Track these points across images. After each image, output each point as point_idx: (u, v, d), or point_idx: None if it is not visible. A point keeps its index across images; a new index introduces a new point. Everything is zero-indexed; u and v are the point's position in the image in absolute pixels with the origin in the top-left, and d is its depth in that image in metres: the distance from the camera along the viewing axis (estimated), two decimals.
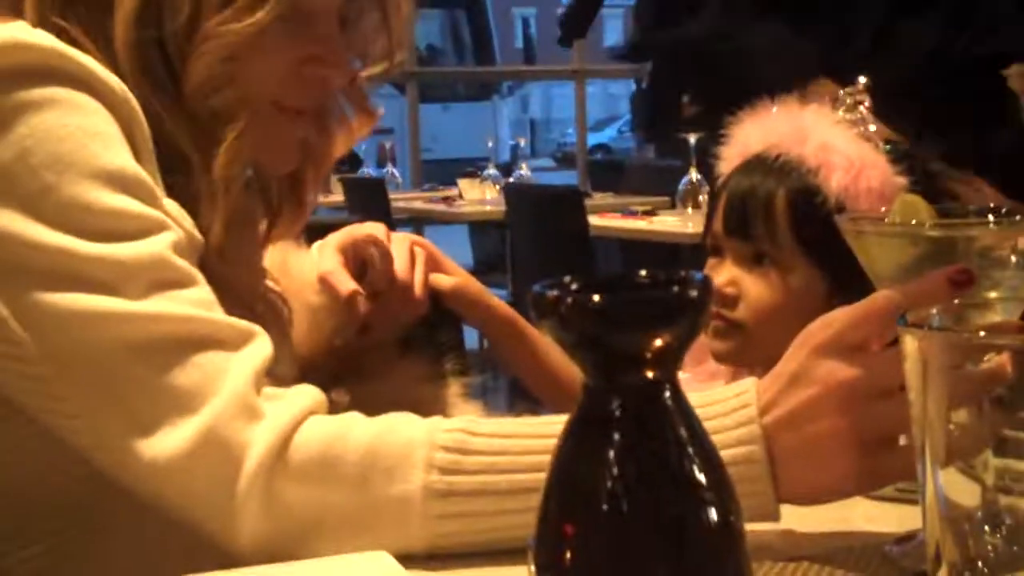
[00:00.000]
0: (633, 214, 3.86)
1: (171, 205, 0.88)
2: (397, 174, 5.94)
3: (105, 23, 0.90)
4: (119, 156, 0.83)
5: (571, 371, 1.35)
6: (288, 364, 1.07)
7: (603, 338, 0.40)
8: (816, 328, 0.79)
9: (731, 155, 1.37)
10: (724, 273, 1.31)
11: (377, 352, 1.17)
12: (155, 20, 0.90)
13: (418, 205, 5.12)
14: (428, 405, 1.05)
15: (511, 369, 1.26)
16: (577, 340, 0.41)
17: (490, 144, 5.37)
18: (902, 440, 0.76)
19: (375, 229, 1.15)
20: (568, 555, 0.40)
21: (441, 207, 4.92)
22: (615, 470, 0.40)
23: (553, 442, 0.45)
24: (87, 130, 0.82)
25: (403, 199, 5.22)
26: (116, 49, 0.90)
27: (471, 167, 5.84)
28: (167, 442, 0.77)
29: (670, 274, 0.42)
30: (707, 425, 0.76)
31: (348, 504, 0.77)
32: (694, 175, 3.79)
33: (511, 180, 4.68)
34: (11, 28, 0.85)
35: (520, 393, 1.23)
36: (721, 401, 0.79)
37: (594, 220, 3.70)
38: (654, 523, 0.40)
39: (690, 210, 3.75)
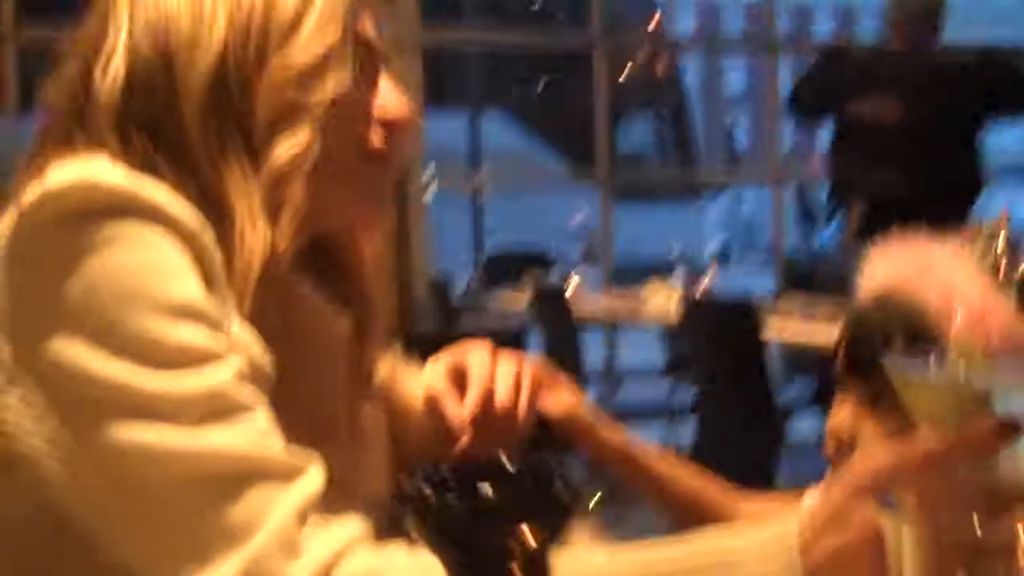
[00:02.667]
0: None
1: (239, 331, 0.90)
2: (584, 279, 5.96)
3: (174, 92, 0.94)
4: (186, 288, 0.86)
5: (695, 495, 1.33)
6: (383, 479, 1.08)
7: (467, 540, 0.42)
8: (856, 469, 0.79)
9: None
10: (840, 414, 1.25)
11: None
12: (223, 74, 0.94)
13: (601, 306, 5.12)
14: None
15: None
16: (439, 539, 0.42)
17: (674, 252, 5.37)
18: None
19: (481, 350, 1.16)
20: None
21: (622, 310, 4.92)
22: None
23: None
24: (155, 264, 0.86)
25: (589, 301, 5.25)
26: (187, 109, 0.93)
27: (669, 269, 5.81)
28: None
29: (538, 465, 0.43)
30: (746, 554, 0.80)
31: None
32: None
33: (694, 290, 4.66)
34: (88, 166, 0.89)
35: None
36: (760, 545, 0.80)
37: (780, 329, 3.65)
38: None
39: None
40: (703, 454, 3.76)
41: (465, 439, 1.11)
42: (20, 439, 0.86)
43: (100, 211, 0.86)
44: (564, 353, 4.77)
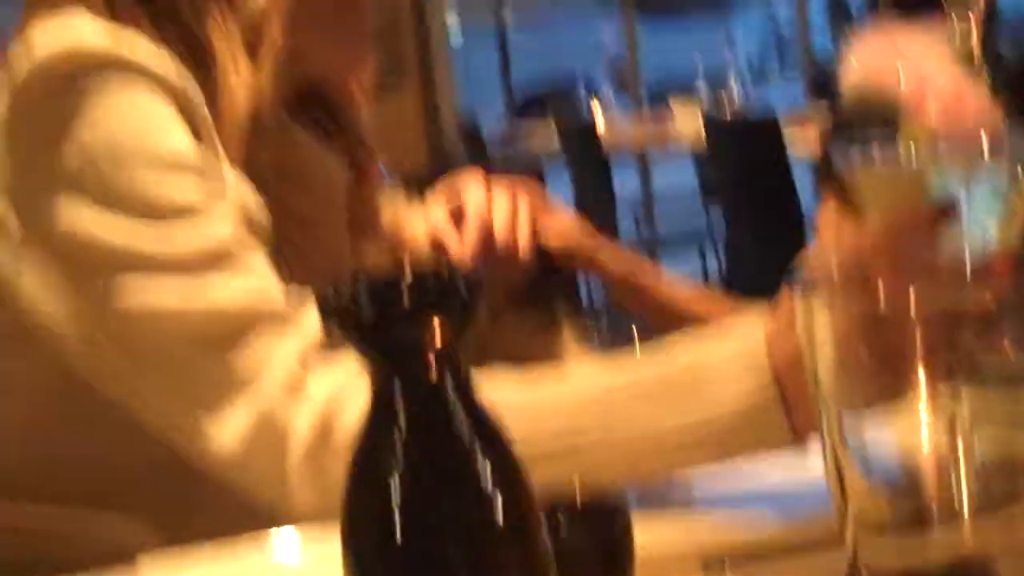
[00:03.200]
0: None
1: (231, 178, 0.94)
2: (613, 103, 5.90)
3: None
4: (176, 140, 0.91)
5: (698, 314, 1.35)
6: None
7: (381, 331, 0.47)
8: (813, 263, 0.82)
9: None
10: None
11: (486, 309, 1.22)
12: None
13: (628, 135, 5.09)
14: (543, 353, 1.11)
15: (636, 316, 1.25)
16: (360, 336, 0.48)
17: (699, 69, 5.32)
18: None
19: (475, 184, 1.16)
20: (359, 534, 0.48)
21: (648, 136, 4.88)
22: (397, 463, 0.47)
23: None
24: (144, 120, 0.90)
25: (617, 132, 5.23)
26: None
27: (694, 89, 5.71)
28: (227, 431, 0.86)
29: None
30: (715, 373, 0.82)
31: None
32: None
33: (716, 109, 4.64)
34: (70, 27, 0.91)
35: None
36: (730, 359, 0.83)
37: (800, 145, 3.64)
38: (425, 521, 0.47)
39: None
40: (734, 278, 3.80)
41: (470, 270, 1.15)
42: (36, 310, 0.92)
43: (85, 74, 0.90)
44: (595, 185, 4.79)
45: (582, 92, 6.39)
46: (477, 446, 0.48)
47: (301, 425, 0.86)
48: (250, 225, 0.93)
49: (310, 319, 0.89)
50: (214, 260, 0.89)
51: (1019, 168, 0.79)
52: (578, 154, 4.91)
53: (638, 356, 0.90)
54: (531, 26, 10.82)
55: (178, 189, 0.89)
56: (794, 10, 7.64)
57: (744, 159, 3.70)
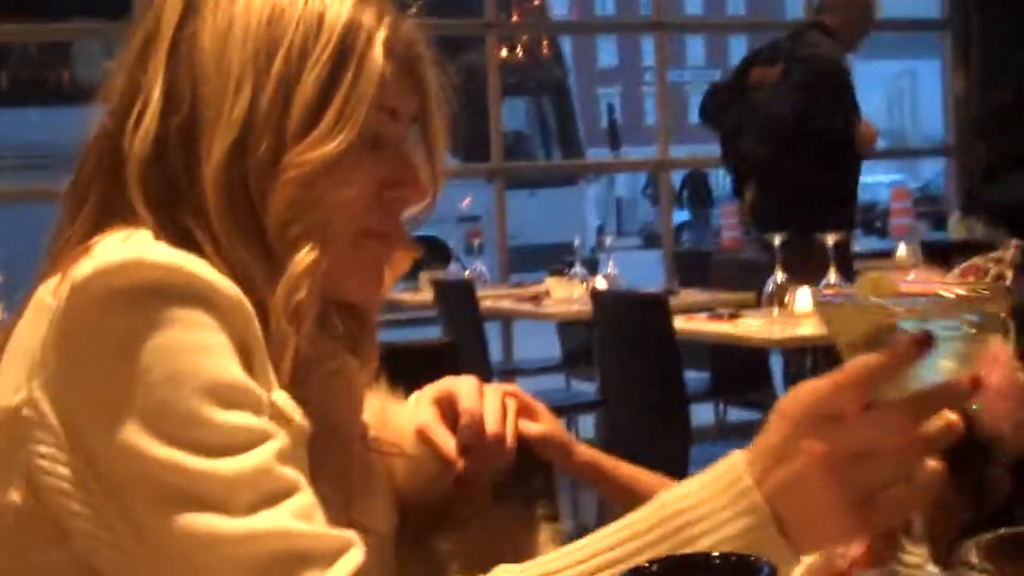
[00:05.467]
0: (719, 316, 3.89)
1: (281, 397, 0.94)
2: (484, 270, 6.02)
3: (196, 163, 0.96)
4: (230, 369, 0.90)
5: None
6: (388, 517, 1.14)
7: None
8: (792, 401, 0.85)
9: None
10: None
11: (470, 501, 1.22)
12: (240, 155, 0.96)
13: (506, 305, 5.18)
14: (521, 551, 1.11)
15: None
16: None
17: (576, 241, 5.45)
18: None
19: (468, 383, 1.21)
20: None
21: (528, 307, 4.98)
22: None
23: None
24: (201, 346, 0.89)
25: (491, 297, 5.29)
26: (205, 184, 0.96)
27: (558, 254, 5.85)
28: None
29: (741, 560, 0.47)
30: (705, 509, 0.84)
31: None
32: (779, 276, 3.82)
33: (598, 281, 4.73)
34: (132, 245, 0.92)
35: None
36: (714, 482, 0.86)
37: (679, 324, 3.74)
38: None
39: (776, 312, 3.78)
40: (610, 447, 3.83)
41: (460, 465, 1.16)
42: (73, 517, 0.88)
43: (148, 290, 0.89)
44: (469, 346, 4.79)
45: (451, 254, 6.44)
46: None
47: None
48: (296, 451, 0.93)
49: (353, 555, 0.88)
50: (261, 492, 0.87)
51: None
52: (454, 314, 4.92)
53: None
54: None
55: (230, 419, 0.88)
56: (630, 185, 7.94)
57: (628, 332, 3.77)
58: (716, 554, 0.45)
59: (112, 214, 0.98)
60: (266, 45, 0.98)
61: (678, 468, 3.50)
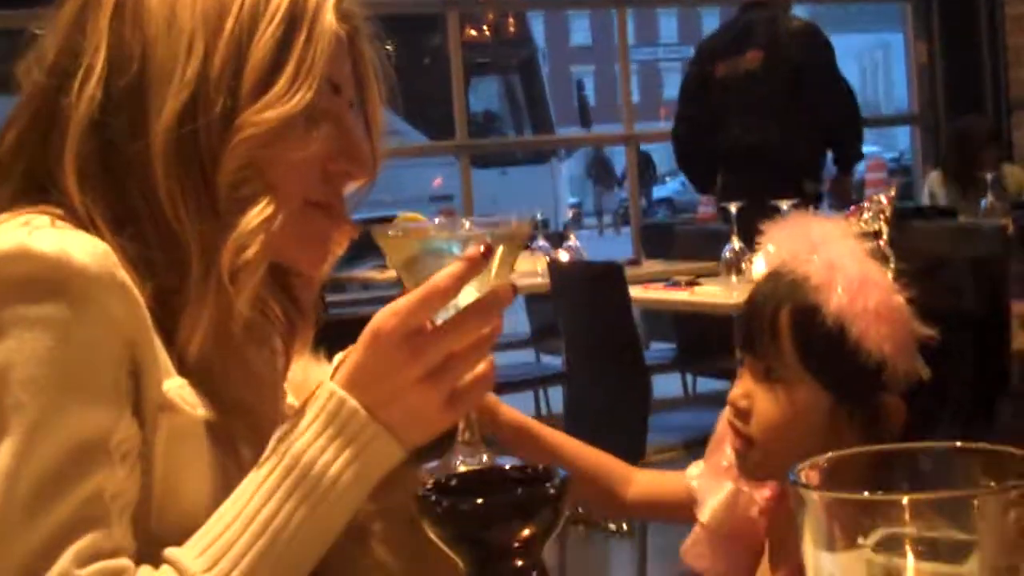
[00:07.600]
0: (676, 285, 3.92)
1: (173, 386, 0.94)
2: None
3: (143, 123, 0.97)
4: (91, 413, 0.89)
5: (587, 461, 1.42)
6: None
7: (475, 536, 0.49)
8: (382, 321, 0.94)
9: (759, 267, 1.42)
10: (740, 386, 1.35)
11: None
12: (192, 115, 0.97)
13: None
14: None
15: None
16: (451, 537, 0.49)
17: (540, 215, 5.46)
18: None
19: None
20: None
21: None
22: None
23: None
24: (71, 361, 0.89)
25: None
26: (153, 145, 0.96)
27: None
28: None
29: (535, 471, 0.50)
30: (323, 441, 0.91)
31: None
32: (736, 243, 3.84)
33: (560, 254, 4.75)
34: (21, 233, 0.91)
35: None
36: (328, 419, 0.93)
37: (636, 293, 3.76)
38: None
39: (734, 278, 3.81)
40: (575, 419, 3.86)
41: None
42: None
43: (31, 285, 0.89)
44: None
45: None
46: None
47: None
48: (184, 436, 0.95)
49: None
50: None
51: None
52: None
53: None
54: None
55: (65, 472, 0.88)
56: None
57: (589, 304, 3.78)
58: (509, 466, 0.49)
59: (29, 192, 0.98)
60: (216, 6, 0.98)
61: (638, 438, 3.55)
